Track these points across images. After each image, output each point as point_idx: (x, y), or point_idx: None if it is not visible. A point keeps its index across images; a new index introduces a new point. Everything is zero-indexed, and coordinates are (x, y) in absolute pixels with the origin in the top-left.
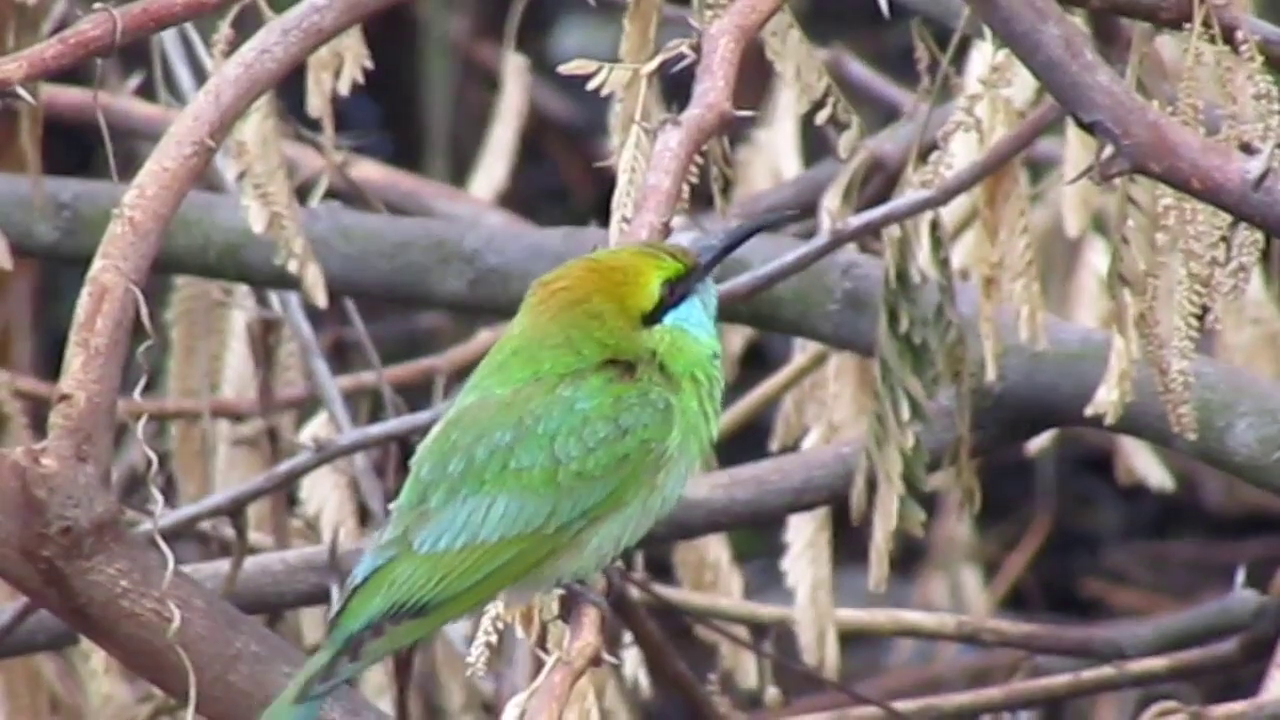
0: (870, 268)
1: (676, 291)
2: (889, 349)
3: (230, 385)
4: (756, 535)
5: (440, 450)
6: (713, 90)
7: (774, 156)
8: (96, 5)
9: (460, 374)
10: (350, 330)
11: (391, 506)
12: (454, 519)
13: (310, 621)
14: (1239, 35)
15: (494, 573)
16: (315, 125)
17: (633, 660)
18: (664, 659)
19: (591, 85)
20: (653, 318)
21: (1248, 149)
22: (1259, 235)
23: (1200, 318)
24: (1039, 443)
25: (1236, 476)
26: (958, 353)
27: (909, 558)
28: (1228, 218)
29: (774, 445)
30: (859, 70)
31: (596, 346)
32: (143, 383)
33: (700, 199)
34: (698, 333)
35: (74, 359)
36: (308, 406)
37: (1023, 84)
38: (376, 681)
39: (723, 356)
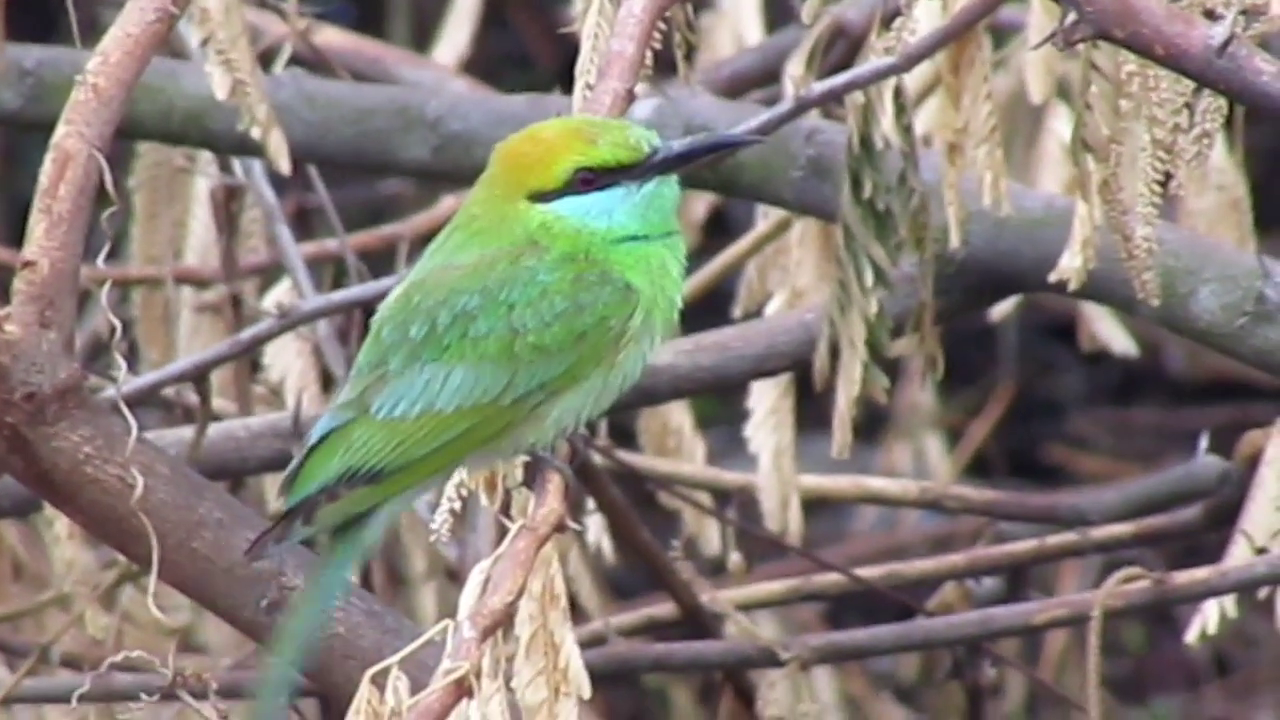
0: (834, 134)
1: (598, 181)
2: (852, 215)
3: (193, 252)
4: (719, 401)
5: (402, 313)
6: None
7: (737, 23)
8: None
9: (423, 240)
10: (314, 197)
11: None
12: (412, 385)
13: (274, 488)
14: None
15: (450, 442)
16: None
17: (596, 527)
18: (627, 525)
19: None
20: (549, 199)
21: (1211, 15)
22: (1222, 102)
23: (1163, 184)
24: (1002, 309)
25: (1199, 343)
26: (921, 219)
27: (872, 424)
28: (1191, 84)
29: (737, 312)
30: None
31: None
32: (106, 249)
33: (664, 65)
34: (593, 221)
35: (37, 225)
36: (271, 273)
37: None
38: None
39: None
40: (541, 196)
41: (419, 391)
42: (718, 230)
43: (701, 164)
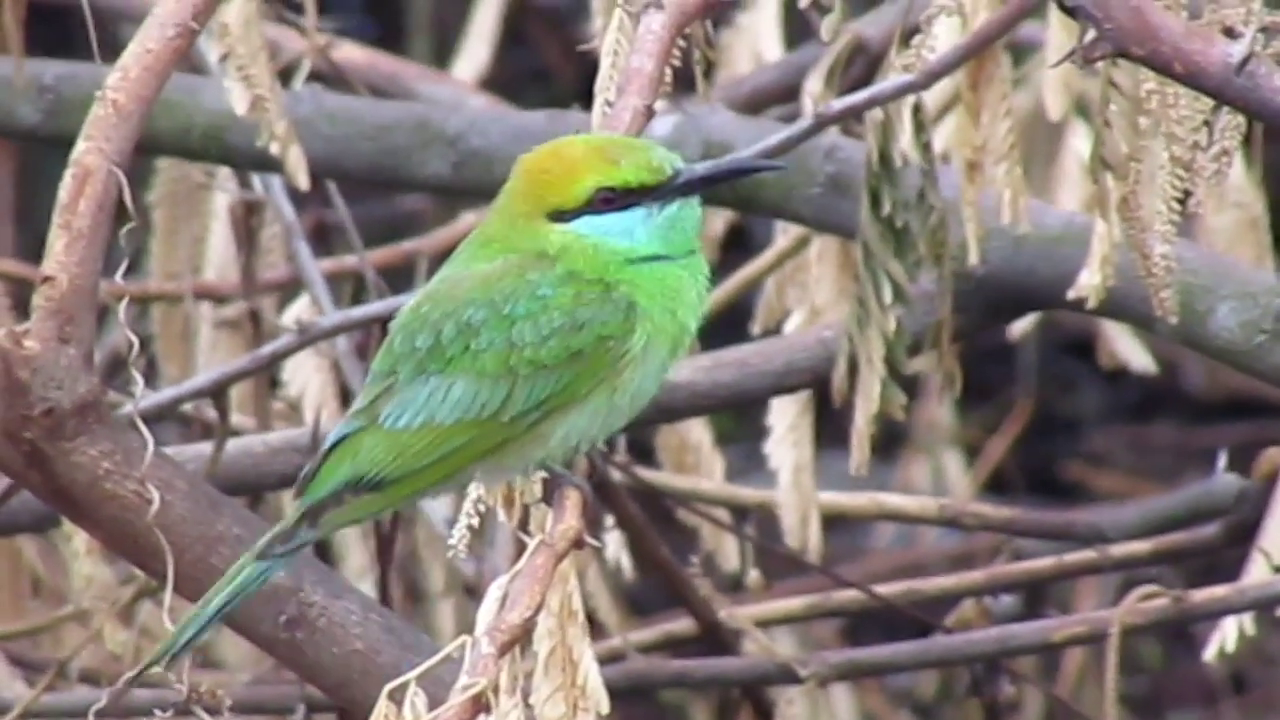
0: (853, 151)
1: (619, 201)
2: (871, 232)
3: (213, 267)
4: (739, 418)
5: (413, 323)
6: None
7: (756, 40)
8: None
9: (442, 256)
10: (333, 213)
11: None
12: (416, 396)
13: (291, 504)
14: None
15: (449, 455)
16: (298, 7)
17: (615, 543)
18: (646, 542)
19: None
20: (568, 218)
21: (1230, 33)
22: (1241, 119)
23: (1182, 202)
24: (1021, 326)
25: (1218, 360)
26: (939, 236)
27: (890, 441)
28: (1210, 102)
29: (756, 328)
30: None
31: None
32: (125, 265)
33: (683, 82)
34: (613, 240)
35: (56, 241)
36: (290, 289)
37: None
38: (358, 564)
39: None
40: (560, 215)
41: (422, 403)
42: (737, 247)
43: (722, 186)
